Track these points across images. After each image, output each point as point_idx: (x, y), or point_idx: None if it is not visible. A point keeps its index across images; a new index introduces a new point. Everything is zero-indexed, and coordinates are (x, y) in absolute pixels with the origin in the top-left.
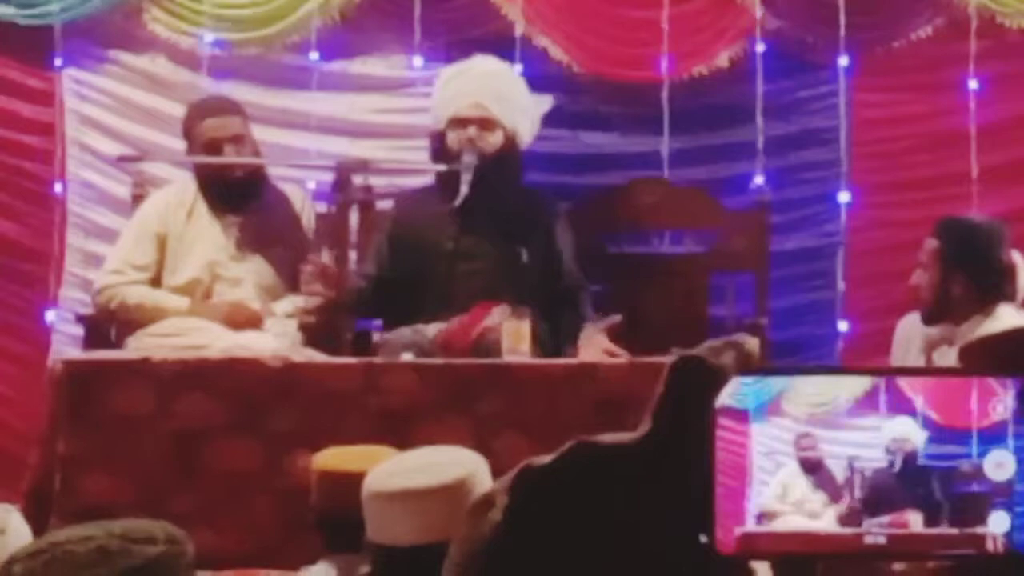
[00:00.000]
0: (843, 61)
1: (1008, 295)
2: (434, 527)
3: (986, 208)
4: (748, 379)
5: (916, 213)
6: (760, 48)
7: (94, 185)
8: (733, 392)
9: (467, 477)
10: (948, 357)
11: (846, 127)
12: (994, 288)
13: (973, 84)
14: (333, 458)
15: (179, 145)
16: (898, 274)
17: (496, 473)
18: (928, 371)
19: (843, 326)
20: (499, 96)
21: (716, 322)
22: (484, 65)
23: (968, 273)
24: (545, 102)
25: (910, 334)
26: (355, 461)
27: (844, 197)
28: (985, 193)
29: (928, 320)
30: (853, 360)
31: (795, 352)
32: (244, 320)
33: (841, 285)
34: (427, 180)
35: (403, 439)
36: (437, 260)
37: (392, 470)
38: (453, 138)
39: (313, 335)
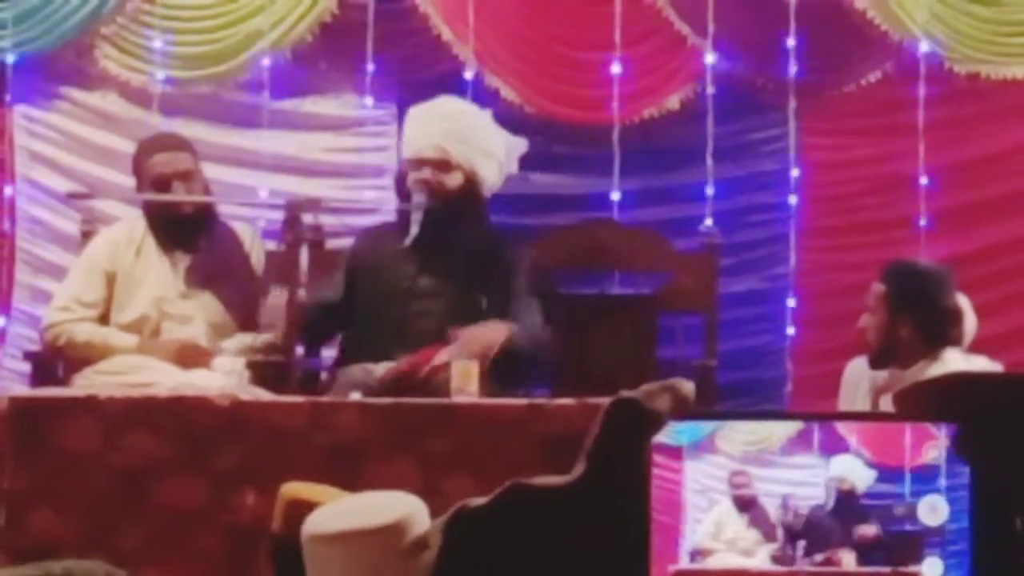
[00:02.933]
0: (793, 105)
1: (954, 339)
2: (371, 568)
3: (934, 252)
4: (682, 423)
5: (864, 256)
6: (710, 91)
7: (43, 222)
8: (668, 430)
9: (404, 519)
10: None
11: (795, 170)
12: (941, 333)
13: (922, 129)
14: (301, 488)
15: (129, 182)
16: (846, 317)
17: (444, 512)
18: (859, 416)
19: (791, 369)
20: (458, 137)
21: (665, 363)
22: (447, 106)
23: (915, 317)
24: (520, 144)
25: (857, 378)
26: (322, 494)
27: (792, 240)
28: (933, 237)
29: (875, 364)
30: (801, 403)
31: (743, 394)
32: (192, 358)
33: (790, 328)
34: (389, 217)
35: (350, 478)
36: (392, 298)
37: (330, 513)
38: (410, 178)
39: (261, 374)
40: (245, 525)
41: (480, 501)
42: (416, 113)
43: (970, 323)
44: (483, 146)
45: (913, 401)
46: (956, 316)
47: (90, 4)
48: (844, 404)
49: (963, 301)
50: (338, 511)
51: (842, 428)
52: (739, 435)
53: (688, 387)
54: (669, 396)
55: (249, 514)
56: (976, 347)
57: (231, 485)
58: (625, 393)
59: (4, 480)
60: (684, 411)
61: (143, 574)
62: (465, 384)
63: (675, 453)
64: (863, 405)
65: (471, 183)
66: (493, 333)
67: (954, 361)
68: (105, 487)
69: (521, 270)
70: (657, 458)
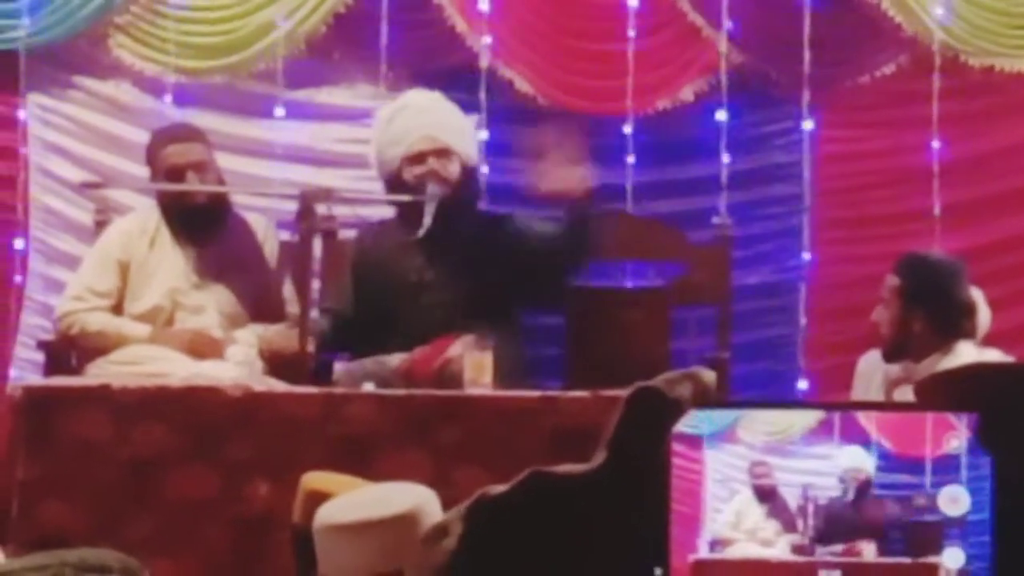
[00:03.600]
0: (807, 97)
1: (968, 332)
2: (385, 558)
3: (948, 245)
4: (703, 412)
5: (878, 249)
6: (724, 82)
7: (57, 211)
8: (689, 420)
9: (416, 508)
10: (908, 396)
11: (809, 162)
12: (954, 326)
13: (936, 122)
14: (322, 479)
15: (143, 172)
16: (860, 310)
17: (456, 503)
18: (880, 406)
19: (804, 361)
20: (446, 125)
21: (678, 356)
22: (421, 98)
23: (928, 310)
24: (472, 120)
25: (871, 371)
26: (343, 485)
27: (806, 232)
28: (947, 230)
29: (888, 357)
30: (814, 395)
31: (756, 387)
32: (205, 348)
33: (803, 320)
34: (386, 212)
35: (363, 469)
36: (401, 292)
37: (342, 504)
38: (410, 174)
39: (274, 364)
40: (257, 516)
41: (501, 488)
42: (391, 111)
43: (983, 316)
44: (466, 129)
45: (934, 391)
46: (970, 309)
47: None
48: (858, 397)
49: (976, 294)
50: (350, 502)
51: (862, 418)
52: (760, 425)
53: (709, 376)
54: (690, 384)
55: (261, 505)
56: (989, 340)
57: (243, 476)
58: (646, 381)
59: (17, 469)
60: (705, 400)
61: (154, 564)
62: (478, 376)
63: (696, 442)
64: (877, 398)
65: (466, 168)
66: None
67: (967, 354)
68: (117, 477)
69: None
70: (678, 447)
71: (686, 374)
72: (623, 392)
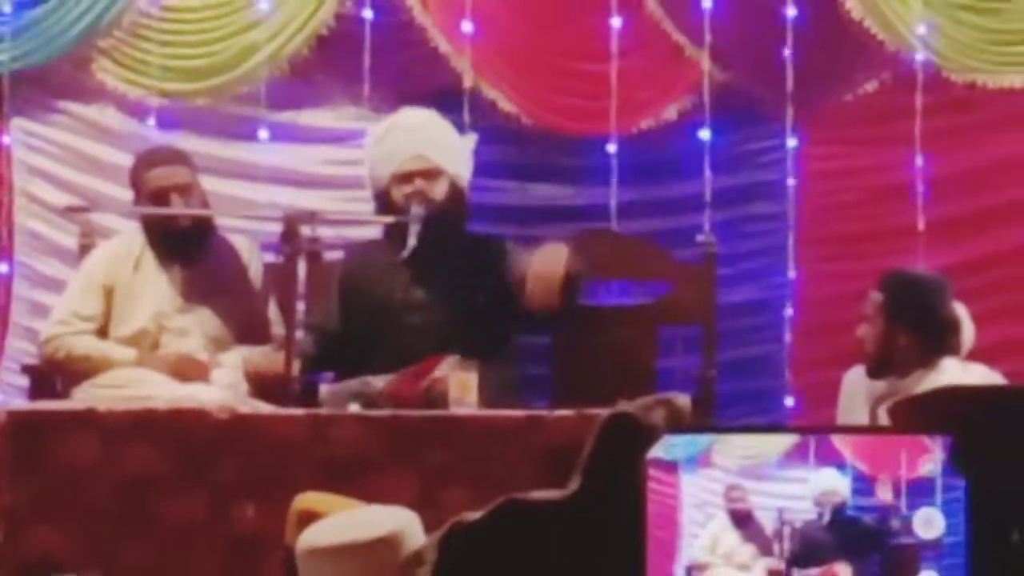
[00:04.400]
0: (790, 114)
1: (952, 348)
2: None
3: (932, 261)
4: (678, 437)
5: (862, 266)
6: (708, 101)
7: (41, 235)
8: (664, 445)
9: (397, 531)
10: None
11: (793, 180)
12: (938, 342)
13: (919, 138)
14: (314, 500)
15: (127, 195)
16: (844, 327)
17: (443, 524)
18: (855, 429)
19: (790, 378)
20: (435, 144)
21: (664, 374)
22: (414, 117)
23: (912, 327)
24: (470, 139)
25: (856, 387)
26: (335, 505)
27: (791, 250)
28: (931, 246)
29: (873, 373)
30: (801, 412)
31: (742, 404)
32: (191, 371)
33: (788, 338)
34: (374, 232)
35: (350, 490)
36: (387, 312)
37: (325, 527)
38: (398, 193)
39: (260, 386)
40: (245, 537)
41: (475, 516)
42: (383, 130)
43: (967, 332)
44: (458, 147)
45: (908, 414)
46: (954, 325)
47: (87, 17)
48: (843, 413)
49: (961, 310)
50: (332, 525)
51: (837, 441)
52: (735, 449)
53: (683, 400)
54: (664, 410)
55: (249, 526)
56: (974, 356)
57: (231, 498)
58: (620, 407)
59: (3, 495)
60: (679, 424)
61: None
62: (464, 395)
63: (671, 467)
64: (862, 414)
65: (455, 188)
66: (556, 255)
67: (952, 370)
68: (104, 501)
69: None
70: (653, 472)
71: (659, 400)
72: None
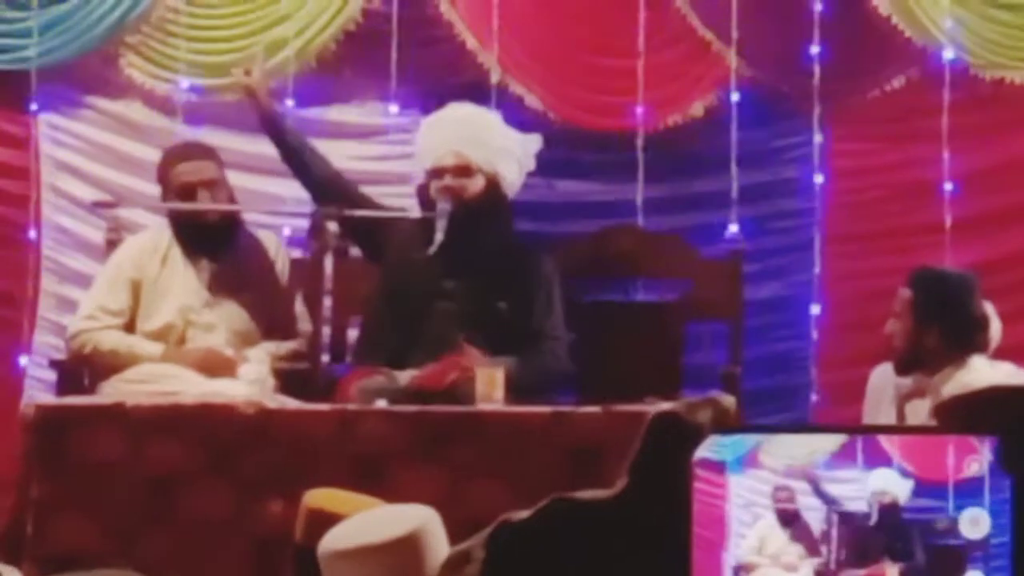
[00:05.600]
0: (817, 111)
1: (981, 346)
2: None
3: (959, 258)
4: (725, 437)
5: (889, 263)
6: (735, 97)
7: (69, 230)
8: (711, 445)
9: (418, 530)
10: (921, 409)
11: (820, 177)
12: (967, 339)
13: (946, 134)
14: (324, 497)
15: (154, 191)
16: (871, 324)
17: (470, 520)
18: (903, 429)
19: (816, 375)
20: (475, 141)
21: (690, 371)
22: (459, 112)
23: (941, 324)
24: (534, 140)
25: (883, 384)
26: (345, 503)
27: (817, 246)
28: (958, 243)
29: (901, 370)
30: (826, 409)
31: (769, 401)
32: (217, 367)
33: (814, 334)
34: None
35: (377, 486)
36: (413, 299)
37: (345, 530)
38: (433, 188)
39: (286, 382)
40: (271, 534)
41: (522, 514)
42: (430, 123)
43: (995, 329)
44: (500, 146)
45: (954, 414)
46: (982, 323)
47: (115, 13)
48: (869, 411)
49: (989, 308)
50: (352, 527)
51: (884, 442)
52: (782, 449)
53: (729, 400)
54: (710, 409)
55: (275, 522)
56: (1001, 353)
57: (257, 493)
58: (666, 407)
59: (31, 488)
60: (725, 424)
61: None
62: (490, 392)
63: (719, 468)
64: (888, 412)
65: (493, 186)
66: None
67: (980, 368)
68: (131, 495)
69: (543, 282)
70: (700, 473)
71: (706, 399)
72: (635, 408)
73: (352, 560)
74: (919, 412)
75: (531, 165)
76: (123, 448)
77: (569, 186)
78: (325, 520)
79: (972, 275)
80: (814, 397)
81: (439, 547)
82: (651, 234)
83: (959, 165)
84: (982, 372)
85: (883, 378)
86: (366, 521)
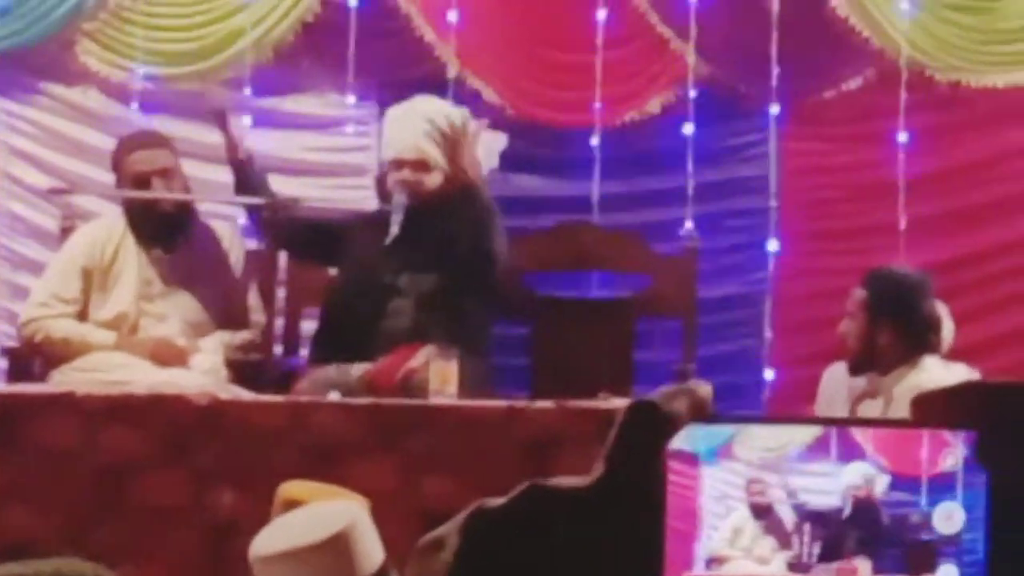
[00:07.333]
0: (774, 109)
1: (934, 346)
2: None
3: (913, 259)
4: (699, 428)
5: (843, 263)
6: (692, 95)
7: (22, 217)
8: (685, 436)
9: (347, 529)
10: (873, 409)
11: (775, 175)
12: (920, 339)
13: (902, 136)
14: (297, 489)
15: (109, 178)
16: (824, 323)
17: (422, 512)
18: (881, 423)
19: (769, 374)
20: (435, 137)
21: (643, 367)
22: (424, 106)
23: (894, 324)
24: (499, 139)
25: (835, 384)
26: (318, 493)
27: (772, 245)
28: (912, 244)
29: (854, 370)
30: (778, 408)
31: (721, 399)
32: (170, 356)
33: (768, 333)
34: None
35: (329, 477)
36: (369, 293)
37: (273, 532)
38: (390, 180)
39: (240, 372)
40: (223, 524)
41: (497, 501)
42: (394, 114)
43: (947, 330)
44: (460, 141)
45: (931, 408)
46: (936, 323)
47: (72, 0)
48: (822, 410)
49: (942, 308)
50: (279, 530)
51: (858, 435)
52: (756, 441)
53: (705, 390)
54: (686, 399)
55: (227, 512)
56: (954, 354)
57: (209, 483)
58: (642, 396)
59: None
60: (701, 415)
61: (120, 572)
62: (443, 385)
63: (692, 460)
64: (841, 411)
65: (450, 182)
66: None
67: (933, 368)
68: (82, 484)
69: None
70: (674, 464)
71: (682, 389)
72: (587, 403)
73: (280, 564)
74: (871, 412)
75: (493, 163)
76: (74, 437)
77: (525, 180)
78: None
79: (926, 276)
80: (766, 395)
81: (369, 545)
82: (606, 230)
83: (914, 166)
84: (934, 372)
85: (836, 378)
86: (292, 522)
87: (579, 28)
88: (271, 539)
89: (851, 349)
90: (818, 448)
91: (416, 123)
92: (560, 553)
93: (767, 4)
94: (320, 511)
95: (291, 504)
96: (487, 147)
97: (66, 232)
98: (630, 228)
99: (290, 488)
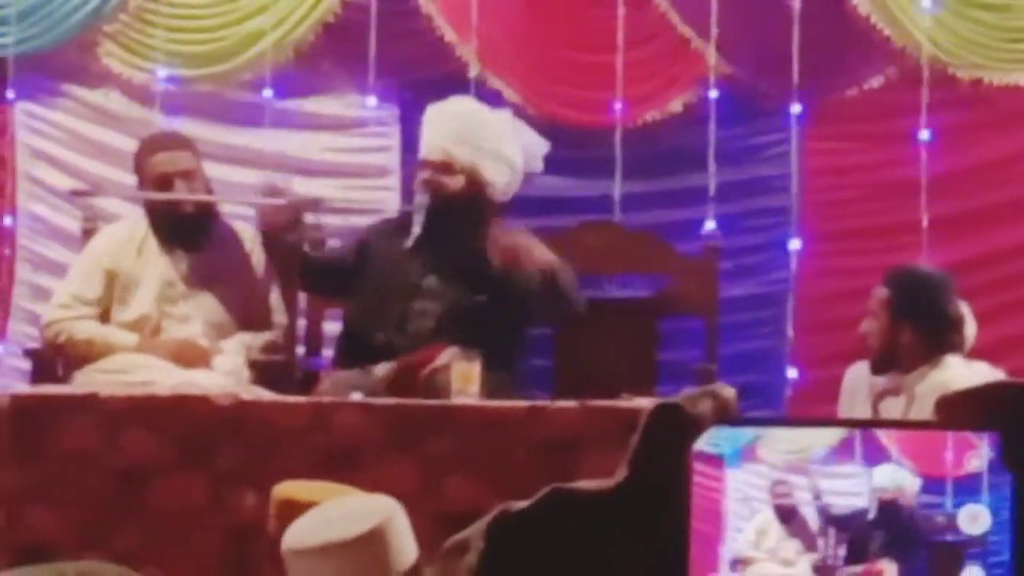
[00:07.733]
0: (795, 109)
1: (956, 345)
2: None
3: (935, 258)
4: (723, 430)
5: (865, 262)
6: (713, 94)
7: (44, 219)
8: (709, 438)
9: (382, 525)
10: (894, 408)
11: (797, 175)
12: (942, 338)
13: (924, 134)
14: (294, 488)
15: (131, 180)
16: (847, 322)
17: (443, 513)
18: (906, 424)
19: (792, 373)
20: (462, 139)
21: (665, 367)
22: (457, 107)
23: (917, 323)
24: (541, 144)
25: (857, 383)
26: (316, 492)
27: (794, 244)
28: (934, 243)
29: (876, 369)
30: (800, 407)
31: (744, 399)
32: (192, 358)
33: (790, 332)
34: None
35: (351, 479)
36: (394, 293)
37: (308, 525)
38: (417, 179)
39: (262, 373)
40: (245, 525)
41: (521, 504)
42: (429, 114)
43: (970, 329)
44: (490, 148)
45: (955, 409)
46: (958, 322)
47: (93, 2)
48: (844, 409)
49: (965, 307)
50: (316, 523)
51: (883, 437)
52: (781, 443)
53: (730, 392)
54: (711, 401)
55: (249, 514)
56: (976, 353)
57: (231, 485)
58: (666, 398)
59: (3, 478)
60: (726, 417)
61: (142, 573)
62: (465, 386)
63: (717, 462)
64: (863, 410)
65: (474, 186)
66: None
67: (955, 367)
68: (105, 486)
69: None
70: (699, 466)
71: (706, 391)
72: (610, 403)
73: (314, 558)
74: (893, 411)
75: (537, 167)
76: (97, 438)
77: (546, 181)
78: (297, 510)
79: (948, 275)
80: (789, 395)
81: (404, 541)
82: (628, 230)
83: (936, 165)
84: (957, 371)
85: (858, 377)
86: (329, 516)
87: (600, 28)
88: (306, 532)
89: (873, 348)
90: (843, 450)
91: (445, 123)
92: (584, 555)
93: (788, 3)
94: (356, 505)
95: (287, 505)
96: (529, 151)
97: (88, 234)
98: (652, 228)
99: (286, 488)
